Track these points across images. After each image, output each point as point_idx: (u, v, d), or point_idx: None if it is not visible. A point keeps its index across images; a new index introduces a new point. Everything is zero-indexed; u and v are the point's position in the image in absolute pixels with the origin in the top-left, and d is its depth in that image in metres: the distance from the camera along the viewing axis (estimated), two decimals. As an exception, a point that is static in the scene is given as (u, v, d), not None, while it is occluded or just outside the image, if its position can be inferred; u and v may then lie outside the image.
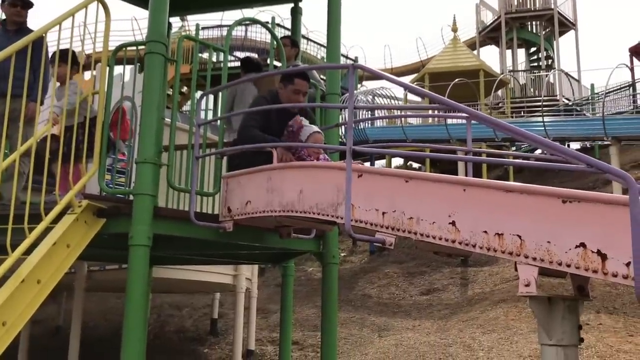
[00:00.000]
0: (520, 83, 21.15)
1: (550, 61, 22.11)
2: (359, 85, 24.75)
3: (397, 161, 20.75)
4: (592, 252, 2.33)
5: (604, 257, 2.30)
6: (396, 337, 8.94)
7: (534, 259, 2.48)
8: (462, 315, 9.53)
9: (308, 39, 20.74)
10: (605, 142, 14.71)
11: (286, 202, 3.56)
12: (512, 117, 18.23)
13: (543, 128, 14.10)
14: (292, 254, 5.38)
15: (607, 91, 16.07)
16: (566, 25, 21.97)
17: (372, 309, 11.02)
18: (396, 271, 12.81)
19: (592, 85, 19.78)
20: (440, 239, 2.80)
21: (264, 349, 9.42)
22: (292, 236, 4.24)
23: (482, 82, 16.54)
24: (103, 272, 7.40)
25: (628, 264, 2.24)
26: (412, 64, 24.99)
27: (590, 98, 19.39)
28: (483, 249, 2.65)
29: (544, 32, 22.02)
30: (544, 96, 20.32)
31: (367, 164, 6.28)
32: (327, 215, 3.31)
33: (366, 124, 16.63)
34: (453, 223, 2.76)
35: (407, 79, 21.03)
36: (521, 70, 21.68)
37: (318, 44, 20.73)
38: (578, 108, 19.04)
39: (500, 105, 19.97)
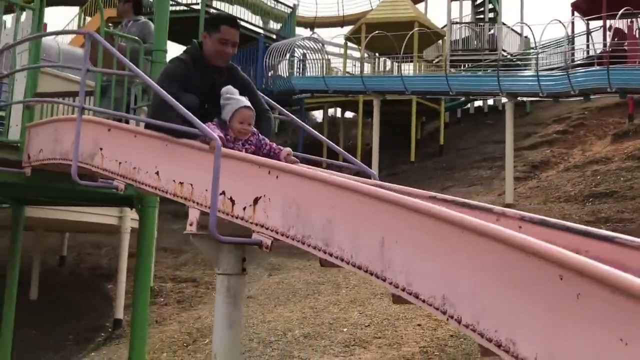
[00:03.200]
0: (464, 36, 21.41)
1: (494, 14, 22.34)
2: (309, 33, 24.86)
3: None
4: (227, 199, 2.89)
5: (233, 202, 2.87)
6: (282, 275, 9.66)
7: (198, 203, 3.03)
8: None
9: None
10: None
11: (65, 151, 4.07)
12: (450, 71, 18.58)
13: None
14: (132, 198, 5.89)
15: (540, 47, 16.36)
16: (512, -21, 22.15)
17: (274, 251, 11.68)
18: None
19: (528, 40, 20.17)
20: (149, 186, 3.34)
21: (162, 285, 10.09)
22: (100, 181, 4.75)
23: (416, 34, 16.80)
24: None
25: (244, 209, 2.81)
26: (363, 12, 25.02)
27: (526, 54, 19.76)
28: (171, 195, 3.20)
29: (489, -15, 22.16)
30: (487, 50, 20.73)
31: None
32: (86, 164, 3.82)
33: (298, 73, 16.95)
34: (157, 173, 3.29)
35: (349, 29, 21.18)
36: (462, 23, 21.92)
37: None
38: (519, 62, 19.36)
39: (439, 59, 20.33)
